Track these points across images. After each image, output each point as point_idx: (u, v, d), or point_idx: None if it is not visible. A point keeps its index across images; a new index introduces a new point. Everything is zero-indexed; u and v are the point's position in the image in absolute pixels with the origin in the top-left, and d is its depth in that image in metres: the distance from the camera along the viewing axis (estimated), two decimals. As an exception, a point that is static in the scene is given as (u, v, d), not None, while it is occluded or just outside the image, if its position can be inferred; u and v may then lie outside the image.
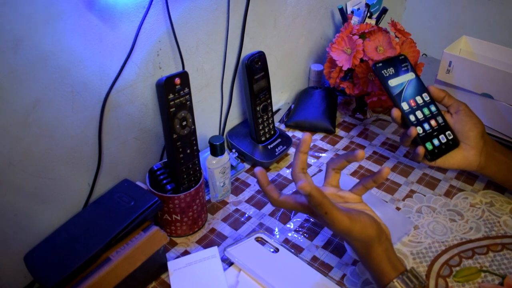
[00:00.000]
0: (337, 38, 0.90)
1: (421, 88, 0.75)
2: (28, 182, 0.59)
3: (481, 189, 0.80)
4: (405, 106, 0.72)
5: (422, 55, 1.25)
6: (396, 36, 0.90)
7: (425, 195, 0.79)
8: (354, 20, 1.00)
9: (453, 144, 0.73)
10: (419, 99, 0.74)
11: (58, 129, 0.60)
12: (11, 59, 0.52)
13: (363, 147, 0.92)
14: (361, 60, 0.88)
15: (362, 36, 0.89)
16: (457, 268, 0.65)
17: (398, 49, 0.86)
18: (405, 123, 0.73)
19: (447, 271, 0.65)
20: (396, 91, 0.73)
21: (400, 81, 0.74)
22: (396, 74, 0.74)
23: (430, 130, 0.72)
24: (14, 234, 0.60)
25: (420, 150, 0.72)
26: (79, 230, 0.58)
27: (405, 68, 0.75)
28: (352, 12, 1.02)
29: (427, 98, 0.74)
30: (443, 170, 0.84)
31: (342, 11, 1.00)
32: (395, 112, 0.72)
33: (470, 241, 0.70)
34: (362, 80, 0.89)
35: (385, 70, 0.73)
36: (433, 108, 0.74)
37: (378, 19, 1.01)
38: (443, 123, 0.74)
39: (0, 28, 0.49)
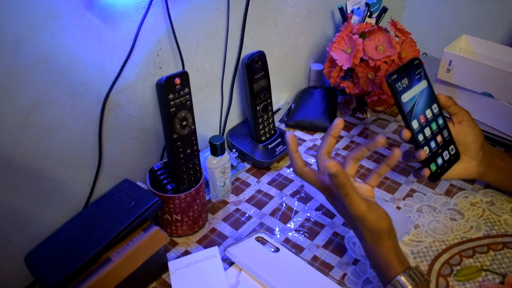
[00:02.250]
0: (337, 38, 0.90)
1: (432, 98, 0.68)
2: (28, 182, 0.59)
3: (481, 188, 0.80)
4: (415, 124, 0.65)
5: (422, 54, 1.25)
6: (396, 36, 0.90)
7: (425, 194, 0.79)
8: (354, 19, 1.00)
9: (454, 158, 0.70)
10: (428, 113, 0.67)
11: (58, 129, 0.60)
12: (11, 59, 0.52)
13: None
14: (361, 60, 0.88)
15: (362, 35, 0.89)
16: (458, 267, 0.65)
17: (398, 48, 0.86)
18: (412, 141, 0.66)
19: (447, 270, 0.65)
20: (408, 108, 0.64)
21: (413, 94, 0.65)
22: (409, 86, 0.64)
23: (436, 148, 0.67)
24: (15, 234, 0.60)
25: (426, 172, 0.67)
26: (80, 230, 0.58)
27: (419, 76, 0.66)
28: (352, 11, 1.02)
29: (436, 110, 0.68)
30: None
31: (342, 11, 1.00)
32: (405, 134, 0.65)
33: (471, 240, 0.70)
34: (362, 79, 0.89)
35: (399, 83, 0.63)
36: (440, 121, 0.68)
37: (378, 19, 1.01)
38: (448, 137, 0.69)
39: (0, 28, 0.49)
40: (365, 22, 0.95)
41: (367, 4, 0.99)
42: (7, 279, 0.61)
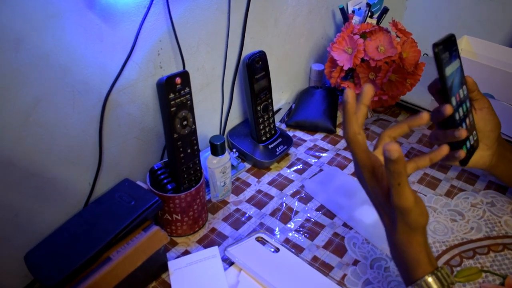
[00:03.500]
0: (338, 38, 0.90)
1: (463, 79, 0.64)
2: (28, 181, 0.59)
3: (482, 189, 0.80)
4: (453, 101, 0.61)
5: (423, 55, 1.24)
6: (397, 36, 0.90)
7: (426, 195, 0.79)
8: (355, 19, 1.00)
9: (476, 145, 0.68)
10: (461, 93, 0.63)
11: (59, 128, 0.60)
12: (12, 58, 0.52)
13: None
14: (362, 60, 0.88)
15: (363, 35, 0.89)
16: (458, 268, 0.65)
17: (399, 48, 0.86)
18: (449, 120, 0.61)
19: (448, 271, 0.65)
20: (449, 83, 0.60)
21: (452, 70, 0.61)
22: (449, 61, 0.60)
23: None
24: (15, 233, 0.60)
25: (461, 153, 0.63)
26: (80, 229, 0.58)
27: (455, 52, 0.62)
28: (353, 11, 1.02)
29: (465, 92, 0.64)
30: (444, 169, 0.84)
31: (343, 11, 1.00)
32: (448, 109, 0.58)
33: (471, 241, 0.70)
34: (363, 79, 0.89)
35: (444, 55, 0.59)
36: (468, 104, 0.65)
37: (379, 19, 1.01)
38: (473, 122, 0.66)
39: (1, 27, 0.49)
40: (366, 23, 0.95)
41: (368, 5, 0.99)
42: (7, 278, 0.61)
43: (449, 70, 0.60)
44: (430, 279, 0.51)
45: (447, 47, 0.60)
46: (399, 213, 0.51)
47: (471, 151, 0.66)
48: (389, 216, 0.54)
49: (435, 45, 0.57)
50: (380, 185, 0.53)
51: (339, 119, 1.01)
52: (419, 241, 0.53)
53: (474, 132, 0.67)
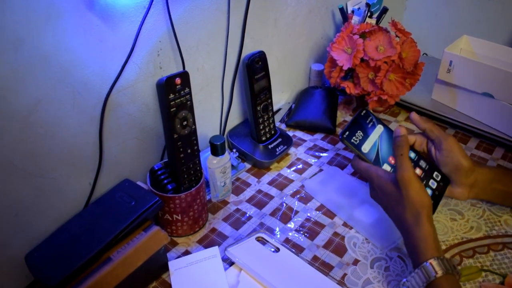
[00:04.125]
0: (337, 38, 0.90)
1: (391, 138, 0.67)
2: (29, 181, 0.59)
3: (482, 188, 0.80)
4: (387, 167, 0.65)
5: (423, 54, 1.25)
6: (396, 36, 0.90)
7: (425, 195, 0.79)
8: (355, 19, 1.00)
9: (444, 183, 0.67)
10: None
11: (59, 128, 0.60)
12: (12, 58, 0.52)
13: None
14: (362, 60, 0.88)
15: (363, 35, 0.89)
16: (458, 268, 0.65)
17: (399, 48, 0.86)
18: None
19: (448, 270, 0.65)
20: (373, 156, 0.65)
21: (373, 142, 0.66)
22: (366, 136, 0.66)
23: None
24: (15, 234, 0.60)
25: None
26: (80, 229, 0.58)
27: (371, 124, 0.67)
28: (353, 11, 1.02)
29: None
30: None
31: (343, 11, 1.00)
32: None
33: (471, 240, 0.70)
34: (362, 79, 0.89)
35: (354, 138, 0.64)
36: (412, 155, 0.67)
37: (379, 19, 1.01)
38: (428, 166, 0.67)
39: (1, 28, 0.50)
40: (365, 22, 0.95)
41: (367, 5, 0.99)
42: (8, 278, 0.61)
43: (368, 144, 0.66)
44: (433, 263, 0.54)
45: (357, 126, 0.66)
46: (402, 187, 0.59)
47: (436, 194, 0.66)
48: (398, 202, 0.61)
49: (341, 135, 0.64)
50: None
51: (339, 119, 1.01)
52: (426, 225, 0.57)
53: (436, 173, 0.67)
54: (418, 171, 0.66)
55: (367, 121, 0.68)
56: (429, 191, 0.65)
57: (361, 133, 0.66)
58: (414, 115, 0.69)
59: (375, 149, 0.66)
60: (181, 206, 0.67)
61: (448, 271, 0.54)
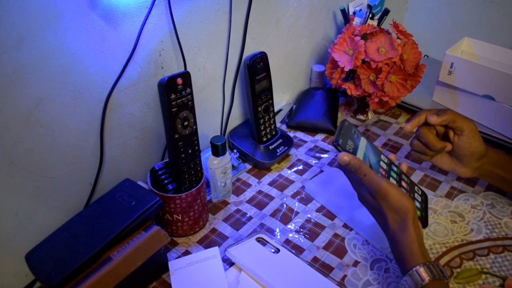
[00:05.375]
0: (339, 39, 0.90)
1: (376, 150, 0.67)
2: (30, 181, 0.59)
3: (482, 190, 0.80)
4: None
5: (424, 56, 1.25)
6: (398, 37, 0.90)
7: (426, 197, 0.79)
8: (356, 21, 1.00)
9: (425, 196, 0.68)
10: (383, 164, 0.65)
11: (60, 128, 0.60)
12: (14, 58, 0.52)
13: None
14: (363, 61, 0.88)
15: (364, 37, 0.89)
16: (458, 270, 0.65)
17: (400, 50, 0.86)
18: None
19: (448, 272, 0.65)
20: (367, 164, 0.63)
21: (362, 152, 0.64)
22: (356, 146, 0.64)
23: (407, 194, 0.62)
24: (16, 233, 0.60)
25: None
26: (81, 229, 0.58)
27: (356, 135, 0.66)
28: (354, 13, 1.02)
29: (386, 160, 0.67)
30: (444, 171, 0.84)
31: (344, 12, 1.00)
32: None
33: (471, 242, 0.70)
34: (363, 81, 0.89)
35: (347, 146, 0.63)
36: (395, 169, 0.67)
37: (380, 20, 1.01)
38: (409, 181, 0.68)
39: (3, 27, 0.50)
40: (367, 24, 0.95)
41: (369, 6, 1.00)
42: (8, 277, 0.62)
43: (360, 154, 0.64)
44: (421, 270, 0.54)
45: (346, 135, 0.64)
46: (380, 199, 0.59)
47: (423, 207, 0.66)
48: (379, 212, 0.61)
49: (335, 142, 0.62)
50: (363, 189, 0.61)
51: (340, 120, 1.01)
52: (411, 232, 0.57)
53: (416, 188, 0.68)
54: (404, 184, 0.66)
55: (352, 132, 0.66)
56: (417, 204, 0.64)
57: (351, 143, 0.64)
58: (432, 119, 0.70)
59: (367, 160, 0.63)
60: (182, 206, 0.67)
61: (435, 277, 0.54)
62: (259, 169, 0.86)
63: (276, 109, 0.99)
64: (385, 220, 0.59)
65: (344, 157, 0.60)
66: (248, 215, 0.75)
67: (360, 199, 0.65)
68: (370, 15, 1.00)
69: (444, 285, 0.55)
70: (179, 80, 0.62)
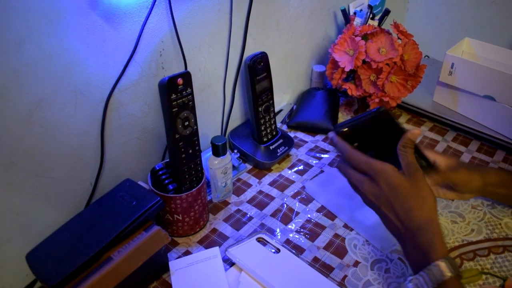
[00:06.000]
0: (339, 39, 0.90)
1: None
2: (30, 181, 0.59)
3: (482, 191, 0.80)
4: None
5: (425, 56, 1.25)
6: (398, 38, 0.90)
7: (426, 197, 0.79)
8: (357, 21, 1.00)
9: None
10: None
11: (61, 128, 0.60)
12: (14, 58, 0.52)
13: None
14: (364, 62, 0.88)
15: (365, 37, 0.89)
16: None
17: (401, 50, 0.86)
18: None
19: (448, 273, 0.65)
20: None
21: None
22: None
23: None
24: (16, 233, 0.60)
25: None
26: (81, 229, 0.58)
27: None
28: (355, 13, 1.02)
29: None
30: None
31: (345, 13, 1.00)
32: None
33: (472, 243, 0.70)
34: (364, 81, 0.89)
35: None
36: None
37: (381, 21, 1.01)
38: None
39: (4, 27, 0.50)
40: (367, 24, 0.95)
41: (369, 6, 1.00)
42: (8, 277, 0.62)
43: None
44: (443, 264, 0.51)
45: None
46: (418, 180, 0.56)
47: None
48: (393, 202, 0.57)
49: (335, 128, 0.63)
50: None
51: (341, 120, 1.01)
52: (435, 223, 0.54)
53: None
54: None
55: None
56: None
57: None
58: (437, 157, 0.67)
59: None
60: (182, 206, 0.67)
61: (454, 274, 0.51)
62: (260, 169, 0.86)
63: (276, 109, 0.99)
64: (413, 206, 0.55)
65: (330, 134, 0.62)
66: (248, 215, 0.75)
67: (365, 200, 0.62)
68: (371, 15, 1.00)
69: (461, 285, 0.52)
70: (180, 80, 0.62)
